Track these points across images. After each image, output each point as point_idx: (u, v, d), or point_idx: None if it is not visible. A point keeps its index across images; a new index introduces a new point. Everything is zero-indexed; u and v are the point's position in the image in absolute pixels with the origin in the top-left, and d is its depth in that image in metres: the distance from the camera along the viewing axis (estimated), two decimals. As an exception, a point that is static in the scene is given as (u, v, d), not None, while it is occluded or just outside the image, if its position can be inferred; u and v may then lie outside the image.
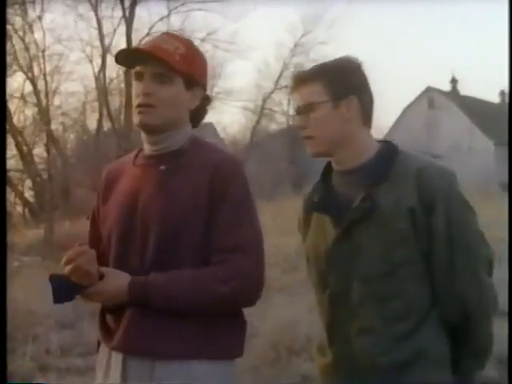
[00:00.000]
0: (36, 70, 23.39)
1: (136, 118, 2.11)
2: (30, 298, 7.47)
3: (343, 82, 2.08)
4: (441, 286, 2.00)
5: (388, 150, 2.09)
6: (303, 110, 2.10)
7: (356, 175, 2.08)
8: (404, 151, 2.10)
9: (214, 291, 1.98)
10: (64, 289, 2.01)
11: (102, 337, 2.14)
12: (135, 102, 2.10)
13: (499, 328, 2.29)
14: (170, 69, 2.08)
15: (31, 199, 24.05)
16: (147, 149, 2.17)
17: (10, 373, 5.49)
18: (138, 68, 2.10)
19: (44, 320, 6.93)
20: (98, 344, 2.22)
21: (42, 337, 6.49)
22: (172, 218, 2.03)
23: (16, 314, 6.25)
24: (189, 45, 2.18)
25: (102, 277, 2.02)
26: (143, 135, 2.17)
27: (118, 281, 2.02)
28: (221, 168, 2.07)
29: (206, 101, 2.22)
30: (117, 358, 2.07)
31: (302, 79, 2.12)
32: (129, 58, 2.14)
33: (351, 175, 2.09)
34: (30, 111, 23.87)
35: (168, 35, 2.20)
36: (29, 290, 7.81)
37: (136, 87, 2.10)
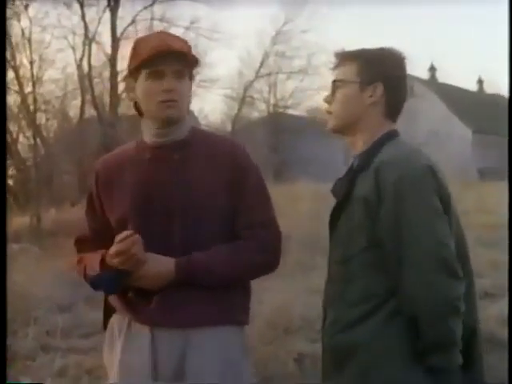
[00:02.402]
0: (18, 57, 23.36)
1: (162, 113, 2.23)
2: (28, 282, 7.62)
3: (376, 68, 2.16)
4: (392, 278, 2.02)
5: (380, 140, 2.15)
6: (333, 86, 2.22)
7: (355, 161, 2.19)
8: (395, 141, 2.15)
9: (250, 262, 2.27)
10: (114, 279, 2.16)
11: (128, 313, 2.26)
12: (156, 98, 2.22)
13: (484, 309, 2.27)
14: (193, 65, 2.29)
15: (14, 187, 24.00)
16: (152, 140, 2.29)
17: (13, 353, 5.67)
18: (158, 67, 2.21)
19: (43, 303, 7.05)
20: (105, 322, 2.36)
21: (42, 319, 6.59)
22: (196, 203, 2.22)
23: (15, 298, 6.37)
24: (186, 40, 2.35)
25: (144, 262, 2.18)
26: (151, 127, 2.28)
27: (163, 263, 2.19)
28: (238, 156, 2.30)
29: None
30: (141, 332, 2.23)
31: (342, 57, 2.23)
32: (157, 58, 2.22)
33: (355, 161, 2.20)
34: (12, 99, 23.78)
35: (169, 34, 2.34)
36: (25, 274, 7.96)
37: (154, 85, 2.22)
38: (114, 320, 2.33)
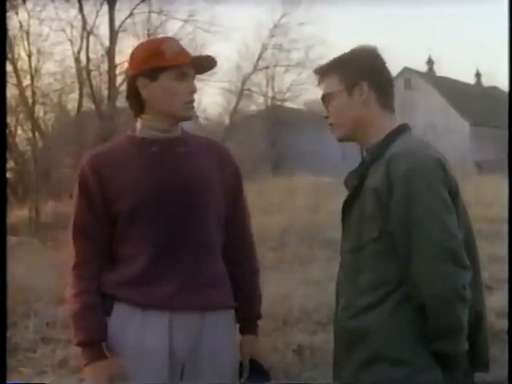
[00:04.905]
0: (16, 50, 23.34)
1: (186, 113, 2.42)
2: (27, 274, 7.66)
3: (354, 70, 2.24)
4: (402, 267, 2.09)
5: (392, 134, 2.22)
6: (324, 101, 2.31)
7: (366, 155, 2.26)
8: (406, 135, 2.22)
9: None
10: None
11: (143, 299, 2.34)
12: (182, 98, 2.39)
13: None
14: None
15: (12, 180, 24.01)
16: (155, 135, 2.42)
17: (14, 345, 5.71)
18: (184, 69, 2.39)
19: (43, 295, 7.09)
20: (110, 307, 2.36)
21: (42, 311, 6.65)
22: (204, 187, 2.43)
23: (14, 290, 6.39)
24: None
25: None
26: (157, 124, 2.42)
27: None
28: (230, 152, 2.58)
29: None
30: (159, 317, 2.33)
31: (321, 73, 2.33)
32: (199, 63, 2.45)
33: (366, 155, 2.27)
34: (10, 92, 23.78)
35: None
36: (24, 267, 7.99)
37: (180, 85, 2.38)
38: (120, 307, 2.37)
